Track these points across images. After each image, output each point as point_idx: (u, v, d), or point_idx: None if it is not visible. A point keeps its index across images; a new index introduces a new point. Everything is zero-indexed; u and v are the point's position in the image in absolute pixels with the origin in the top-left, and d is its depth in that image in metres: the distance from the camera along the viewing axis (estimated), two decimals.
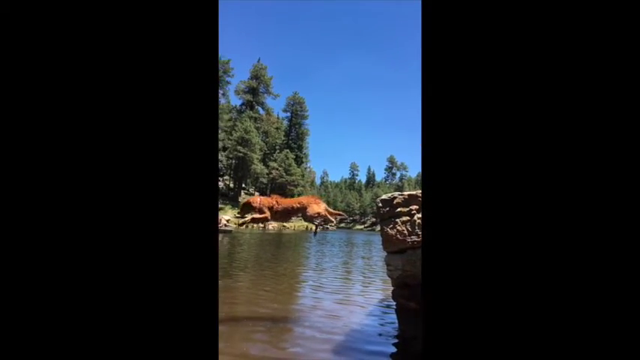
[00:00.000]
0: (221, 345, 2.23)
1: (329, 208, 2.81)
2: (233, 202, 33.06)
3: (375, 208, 2.84)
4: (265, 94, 42.41)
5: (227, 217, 25.61)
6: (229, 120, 37.87)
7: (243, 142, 33.97)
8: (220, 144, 33.51)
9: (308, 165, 51.96)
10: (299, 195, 41.38)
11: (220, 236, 14.79)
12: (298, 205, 2.78)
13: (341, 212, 2.95)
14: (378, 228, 2.66)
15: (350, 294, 4.07)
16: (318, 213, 2.72)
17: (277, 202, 2.79)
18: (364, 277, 5.61)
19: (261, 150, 37.23)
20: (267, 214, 2.72)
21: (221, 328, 2.53)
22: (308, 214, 2.72)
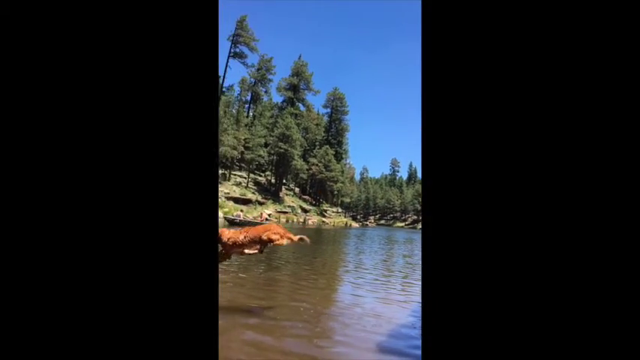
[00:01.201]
0: (262, 338, 2.27)
1: (291, 236, 2.96)
2: (274, 197, 33.92)
3: (417, 205, 2.71)
4: (306, 91, 42.82)
5: (268, 211, 26.32)
6: (271, 117, 38.79)
7: (284, 138, 34.62)
8: (262, 140, 34.46)
9: (348, 161, 51.76)
10: (338, 191, 41.36)
11: None
12: (263, 234, 2.86)
13: (304, 237, 3.04)
14: (420, 225, 2.54)
15: (391, 292, 3.97)
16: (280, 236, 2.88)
17: (246, 233, 2.89)
18: (405, 275, 5.44)
19: (301, 146, 37.70)
20: (221, 248, 2.84)
21: (261, 321, 2.58)
22: (270, 239, 2.85)
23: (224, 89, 37.78)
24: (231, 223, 16.97)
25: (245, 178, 34.76)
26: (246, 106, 42.14)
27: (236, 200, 27.17)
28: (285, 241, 2.89)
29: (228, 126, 32.03)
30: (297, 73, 41.58)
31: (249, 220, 18.67)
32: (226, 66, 38.22)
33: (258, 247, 2.85)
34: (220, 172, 33.39)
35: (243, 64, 39.15)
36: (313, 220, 34.30)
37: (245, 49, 38.18)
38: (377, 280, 4.80)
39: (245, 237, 2.85)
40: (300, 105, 42.90)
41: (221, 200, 25.76)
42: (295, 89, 41.71)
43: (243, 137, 33.10)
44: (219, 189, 27.94)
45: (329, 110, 46.79)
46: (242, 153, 33.47)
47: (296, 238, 2.99)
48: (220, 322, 2.51)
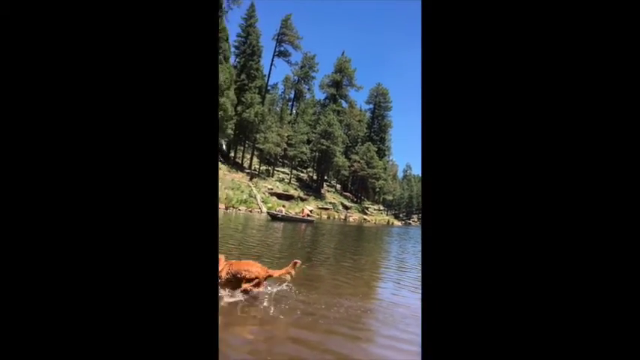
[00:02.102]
0: (302, 334, 2.24)
1: (270, 271, 2.81)
2: (316, 193, 34.23)
3: None
4: (348, 87, 42.45)
5: (310, 207, 26.62)
6: (313, 114, 39.10)
7: (326, 135, 34.71)
8: (305, 137, 34.87)
9: (390, 158, 50.61)
10: (380, 189, 40.62)
11: (303, 226, 15.47)
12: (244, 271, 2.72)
13: (290, 272, 2.81)
14: None
15: None
16: (257, 276, 2.72)
17: (230, 266, 2.75)
18: None
19: (343, 143, 37.54)
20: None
21: (300, 316, 2.56)
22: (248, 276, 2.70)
23: (269, 88, 38.76)
24: (274, 217, 17.40)
25: (288, 174, 35.47)
26: (290, 103, 42.90)
27: (279, 196, 27.82)
28: (262, 282, 2.73)
29: (272, 123, 32.86)
30: (340, 69, 41.37)
31: (291, 215, 19.00)
32: (271, 65, 39.17)
33: (234, 286, 2.68)
34: (264, 168, 34.43)
35: (287, 62, 39.83)
36: (354, 217, 34.07)
37: (289, 48, 38.81)
38: (420, 277, 4.59)
39: (227, 273, 2.70)
40: (343, 102, 42.67)
41: (265, 196, 26.56)
42: (338, 86, 41.56)
43: (286, 134, 33.77)
44: (264, 184, 28.82)
45: (372, 106, 45.99)
46: (285, 150, 34.18)
47: (279, 272, 2.80)
48: (261, 315, 2.53)
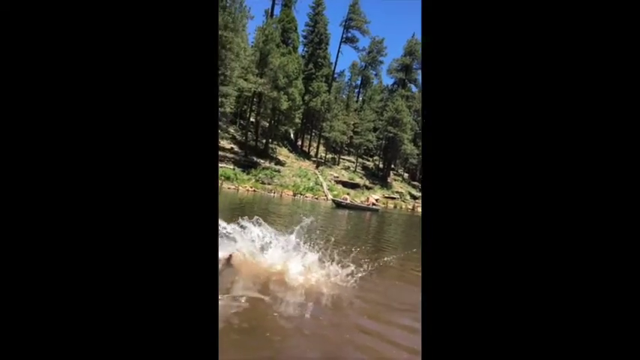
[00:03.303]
0: (367, 323, 2.20)
1: None
2: (382, 182, 33.54)
3: None
4: (419, 71, 40.17)
5: (376, 196, 26.23)
6: (380, 100, 38.01)
7: (394, 122, 33.47)
8: (371, 124, 34.16)
9: None
10: None
11: (368, 214, 15.33)
12: None
13: None
14: None
15: None
16: None
17: None
18: None
19: (412, 130, 35.86)
20: None
21: (365, 304, 2.51)
22: None
23: (335, 75, 38.69)
24: (338, 205, 17.54)
25: (353, 162, 35.33)
26: (356, 90, 42.32)
27: (344, 184, 27.94)
28: None
29: (339, 111, 32.83)
30: (410, 52, 39.26)
31: (356, 204, 18.96)
32: (338, 52, 38.97)
33: None
34: (330, 156, 34.78)
35: (355, 48, 39.15)
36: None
37: (357, 33, 38.03)
38: None
39: None
40: (412, 86, 40.60)
41: (331, 183, 26.91)
42: (407, 70, 39.61)
43: (352, 122, 33.51)
44: (329, 172, 29.19)
45: None
46: (351, 138, 34.00)
47: None
48: (328, 303, 2.55)
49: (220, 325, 1.99)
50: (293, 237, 3.17)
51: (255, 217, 3.37)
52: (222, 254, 3.25)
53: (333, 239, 3.49)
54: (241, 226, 3.27)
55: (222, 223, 3.17)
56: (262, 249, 3.22)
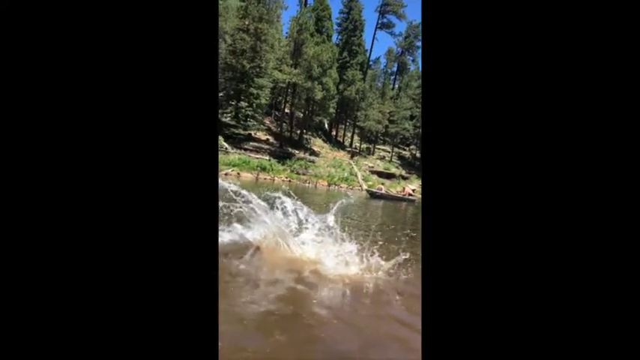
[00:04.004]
0: (404, 316, 2.14)
1: None
2: (419, 172, 32.60)
3: None
4: None
5: (412, 186, 25.56)
6: (418, 87, 36.65)
7: None
8: (408, 112, 33.15)
9: None
10: None
11: (404, 205, 15.00)
12: None
13: None
14: None
15: None
16: None
17: None
18: None
19: None
20: None
21: (401, 297, 2.45)
22: None
23: (370, 63, 37.83)
24: (373, 195, 17.33)
25: (389, 152, 34.63)
26: (392, 77, 41.14)
27: (379, 174, 27.54)
28: None
29: (374, 100, 32.18)
30: None
31: (391, 194, 18.62)
32: (373, 38, 37.96)
33: None
34: (365, 146, 34.34)
35: (391, 34, 38.18)
36: None
37: (392, 18, 36.82)
38: None
39: None
40: None
41: (365, 174, 26.65)
42: None
43: (387, 110, 32.72)
44: (364, 162, 28.88)
45: None
46: (386, 127, 33.27)
47: None
48: (366, 294, 2.52)
49: (260, 309, 2.04)
50: (331, 218, 3.18)
51: (292, 198, 3.42)
52: (255, 237, 3.33)
53: (373, 227, 3.43)
54: (280, 208, 3.33)
55: (260, 202, 3.24)
56: (297, 233, 3.26)
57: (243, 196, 3.21)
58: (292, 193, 3.46)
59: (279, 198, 3.38)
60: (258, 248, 3.24)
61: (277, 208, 3.36)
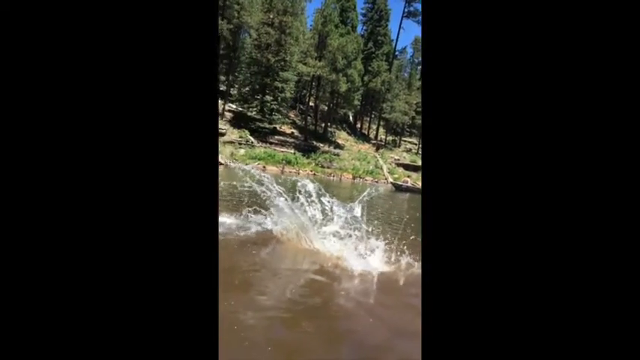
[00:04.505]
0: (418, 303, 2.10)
1: None
2: None
3: None
4: None
5: None
6: None
7: None
8: None
9: None
10: None
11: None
12: None
13: None
14: None
15: None
16: None
17: None
18: None
19: None
20: None
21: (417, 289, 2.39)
22: None
23: (396, 53, 36.95)
24: (398, 188, 17.06)
25: (416, 144, 33.88)
26: (419, 67, 39.99)
27: (406, 167, 27.03)
28: None
29: (400, 91, 31.51)
30: None
31: (417, 187, 18.25)
32: (399, 28, 37.07)
33: None
34: (390, 138, 33.77)
35: (418, 22, 36.77)
36: None
37: (419, 6, 35.58)
38: None
39: None
40: None
41: (391, 166, 26.25)
42: None
43: (414, 101, 31.91)
44: (390, 155, 28.44)
45: None
46: (413, 118, 32.49)
47: None
48: (393, 288, 2.49)
49: (284, 297, 2.08)
50: (357, 209, 3.18)
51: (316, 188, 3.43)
52: (280, 229, 3.36)
53: (404, 219, 3.38)
54: (308, 201, 3.35)
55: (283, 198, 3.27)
56: (323, 224, 3.27)
57: (271, 190, 3.27)
58: (322, 188, 3.46)
59: (311, 196, 3.39)
60: (282, 240, 3.28)
61: (304, 202, 3.37)
